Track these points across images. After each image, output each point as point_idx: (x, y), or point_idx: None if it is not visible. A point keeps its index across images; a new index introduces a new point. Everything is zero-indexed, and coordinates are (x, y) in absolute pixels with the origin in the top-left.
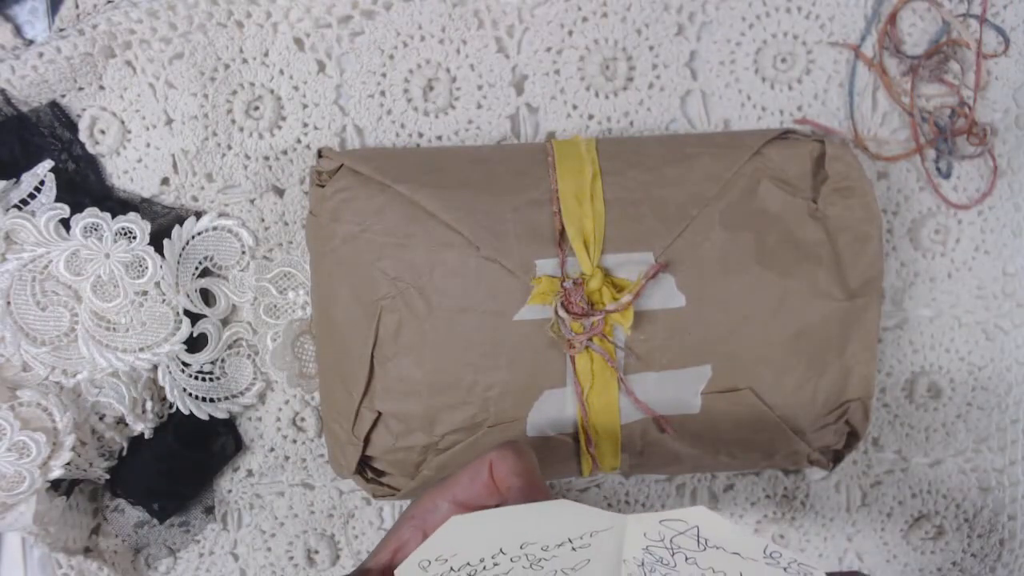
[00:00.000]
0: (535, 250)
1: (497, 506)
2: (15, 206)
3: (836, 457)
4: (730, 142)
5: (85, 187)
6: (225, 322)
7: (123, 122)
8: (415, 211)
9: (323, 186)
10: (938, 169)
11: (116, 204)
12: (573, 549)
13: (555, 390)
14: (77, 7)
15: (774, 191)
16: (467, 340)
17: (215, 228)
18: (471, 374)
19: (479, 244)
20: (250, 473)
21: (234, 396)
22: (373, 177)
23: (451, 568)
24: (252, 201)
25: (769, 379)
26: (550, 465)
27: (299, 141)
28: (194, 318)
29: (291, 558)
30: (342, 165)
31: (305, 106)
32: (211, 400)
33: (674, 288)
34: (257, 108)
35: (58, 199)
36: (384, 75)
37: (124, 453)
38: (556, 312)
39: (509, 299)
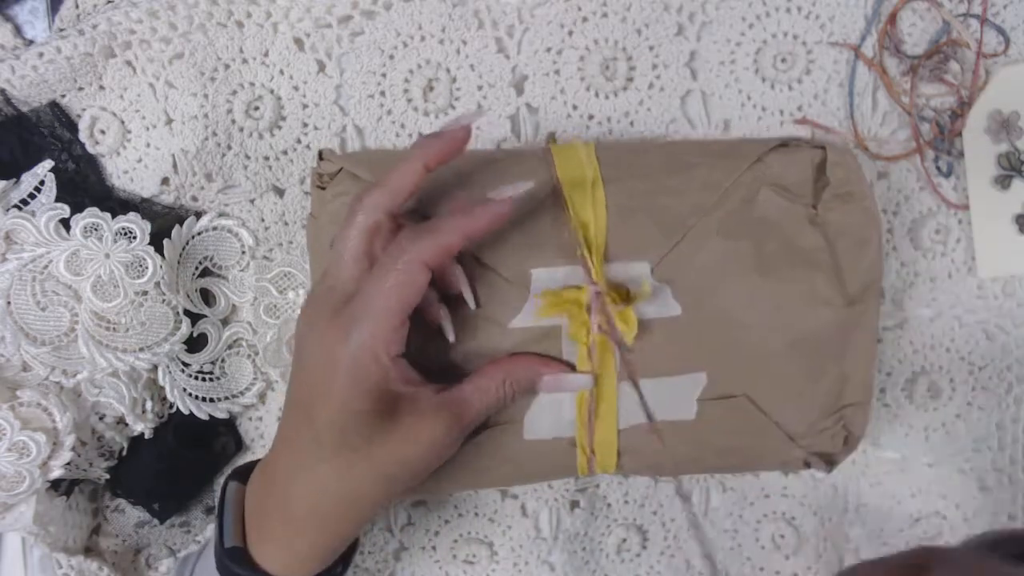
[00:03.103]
0: (532, 259)
1: None
2: (15, 206)
3: (833, 460)
4: (730, 151)
5: (85, 187)
6: (225, 322)
7: (123, 122)
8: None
9: (324, 188)
10: (938, 169)
11: (116, 204)
12: None
13: (553, 393)
14: (77, 7)
15: (774, 199)
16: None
17: (215, 228)
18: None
19: (476, 251)
20: None
21: (234, 396)
22: (372, 182)
23: None
24: (252, 201)
25: (765, 386)
26: (548, 466)
27: (299, 141)
28: (194, 318)
29: None
30: (342, 168)
31: (305, 106)
32: (211, 400)
33: (670, 297)
34: (257, 108)
35: (58, 199)
36: (384, 75)
37: (124, 453)
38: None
39: (505, 307)
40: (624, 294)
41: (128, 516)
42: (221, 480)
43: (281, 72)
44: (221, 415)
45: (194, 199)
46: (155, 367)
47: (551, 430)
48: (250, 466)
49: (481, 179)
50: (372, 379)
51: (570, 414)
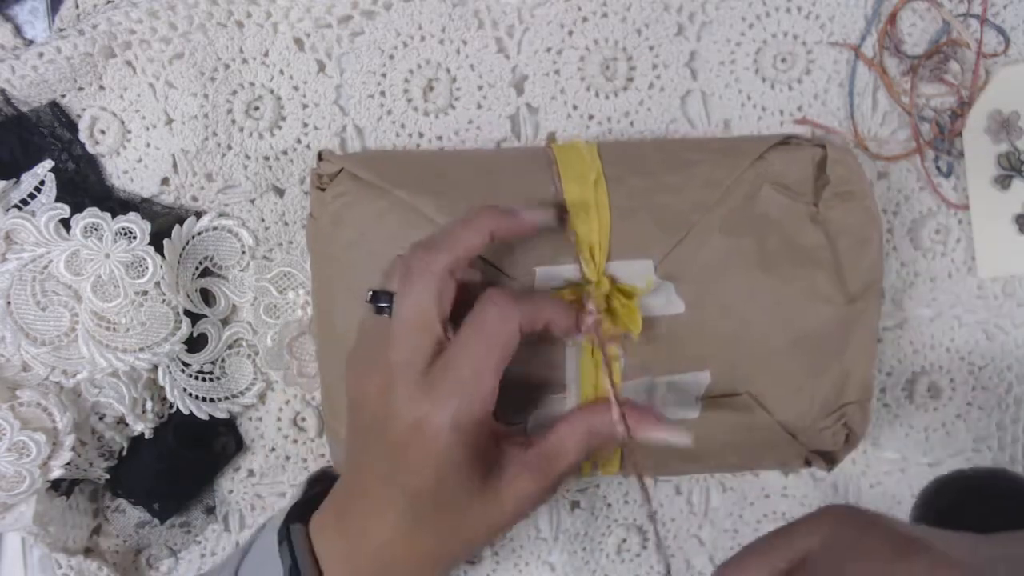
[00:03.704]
0: (536, 257)
1: None
2: (15, 206)
3: (833, 459)
4: (732, 148)
5: (85, 187)
6: (225, 322)
7: (123, 122)
8: (416, 217)
9: (323, 190)
10: (938, 169)
11: (116, 204)
12: None
13: (556, 396)
14: (77, 7)
15: (775, 196)
16: None
17: (215, 228)
18: None
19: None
20: (251, 473)
21: (234, 396)
22: (373, 182)
23: None
24: (252, 201)
25: (768, 384)
26: None
27: (299, 141)
28: (194, 318)
29: None
30: (342, 169)
31: (305, 106)
32: (211, 400)
33: (674, 295)
34: (257, 108)
35: (58, 199)
36: (384, 75)
37: (124, 453)
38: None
39: None
40: (627, 290)
41: (128, 516)
42: (221, 481)
43: (281, 72)
44: (221, 415)
45: (194, 199)
46: (155, 367)
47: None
48: (299, 511)
49: (483, 180)
50: (475, 444)
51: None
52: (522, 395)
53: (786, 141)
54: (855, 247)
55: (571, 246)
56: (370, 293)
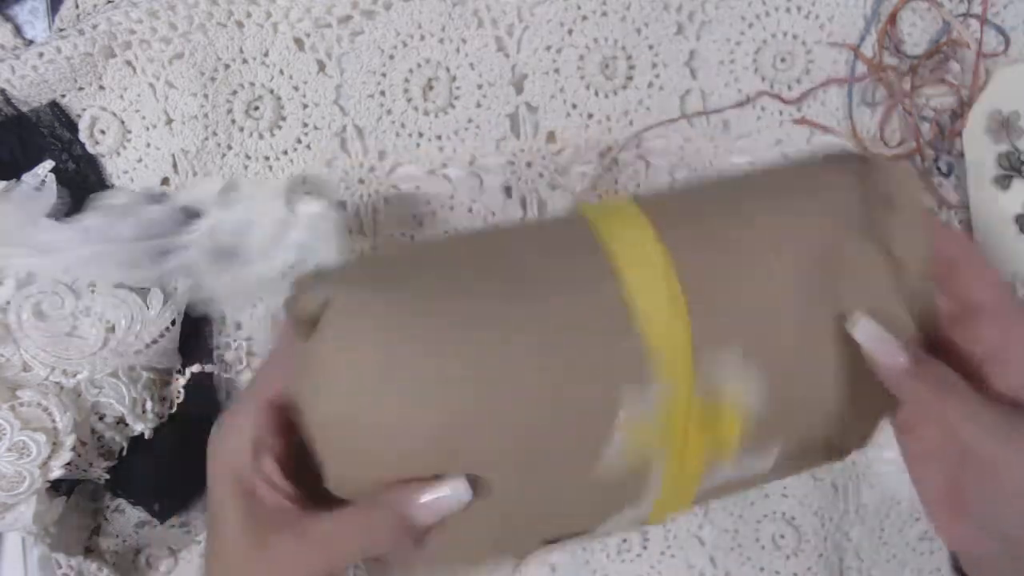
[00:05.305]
0: (615, 380)
1: None
2: None
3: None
4: (783, 185)
5: (85, 187)
6: None
7: (123, 122)
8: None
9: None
10: (938, 169)
11: None
12: None
13: (633, 508)
14: (77, 7)
15: (854, 252)
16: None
17: None
18: None
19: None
20: None
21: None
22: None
23: None
24: None
25: (838, 428)
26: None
27: (299, 141)
28: None
29: None
30: (337, 296)
31: (305, 106)
32: None
33: (761, 383)
34: (257, 108)
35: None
36: (384, 75)
37: (124, 453)
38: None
39: (590, 443)
40: (717, 392)
41: (128, 516)
42: None
43: (281, 72)
44: None
45: None
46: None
47: (626, 528)
48: None
49: (515, 295)
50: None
51: (645, 512)
52: (599, 496)
53: (827, 166)
54: (928, 296)
55: (647, 357)
56: None
